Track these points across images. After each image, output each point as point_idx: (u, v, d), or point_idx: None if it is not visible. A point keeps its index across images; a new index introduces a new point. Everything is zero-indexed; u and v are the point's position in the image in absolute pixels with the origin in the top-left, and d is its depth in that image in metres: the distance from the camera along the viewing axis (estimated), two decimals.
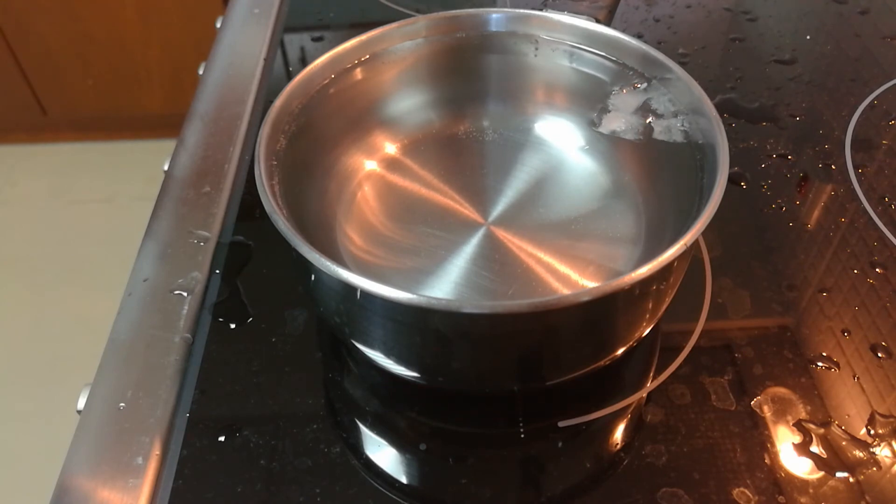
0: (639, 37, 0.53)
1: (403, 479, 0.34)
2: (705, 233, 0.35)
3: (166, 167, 0.49)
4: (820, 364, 0.38)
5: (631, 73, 0.41)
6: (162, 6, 1.33)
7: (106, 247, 1.38)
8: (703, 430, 0.35)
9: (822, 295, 0.41)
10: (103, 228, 1.43)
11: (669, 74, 0.39)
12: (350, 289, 0.29)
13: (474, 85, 0.45)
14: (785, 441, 0.35)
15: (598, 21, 0.41)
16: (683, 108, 0.38)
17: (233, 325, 0.40)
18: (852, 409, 0.36)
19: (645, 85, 0.40)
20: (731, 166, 0.42)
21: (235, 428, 0.35)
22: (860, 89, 0.55)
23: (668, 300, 0.34)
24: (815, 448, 0.34)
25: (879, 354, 0.38)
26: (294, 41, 0.62)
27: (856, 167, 0.49)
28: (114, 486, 0.33)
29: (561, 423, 0.35)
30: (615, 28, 0.41)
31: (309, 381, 0.38)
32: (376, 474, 0.34)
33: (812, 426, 0.35)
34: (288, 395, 0.37)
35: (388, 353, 0.33)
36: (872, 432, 0.35)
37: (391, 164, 0.43)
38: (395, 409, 0.37)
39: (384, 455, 0.35)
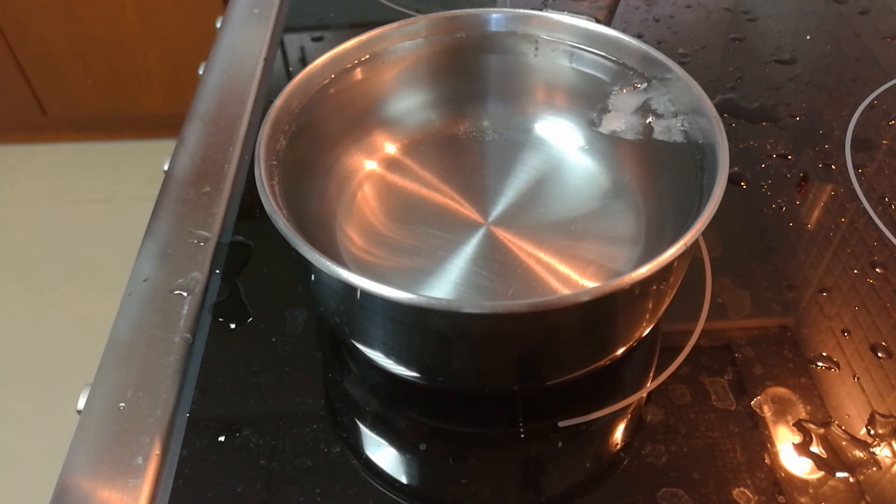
0: (639, 37, 0.53)
1: (403, 479, 0.34)
2: (705, 233, 0.35)
3: (166, 167, 0.49)
4: (820, 364, 0.38)
5: (631, 73, 0.41)
6: (162, 6, 1.33)
7: (106, 247, 1.38)
8: (703, 430, 0.35)
9: (822, 295, 0.41)
10: (103, 228, 1.43)
11: (669, 74, 0.39)
12: (350, 289, 0.29)
13: (474, 85, 0.45)
14: (785, 441, 0.35)
15: (598, 21, 0.41)
16: (683, 108, 0.38)
17: (233, 325, 0.40)
18: (852, 409, 0.36)
19: (645, 85, 0.40)
20: (731, 166, 0.42)
21: (235, 428, 0.35)
22: (860, 89, 0.55)
23: (668, 300, 0.34)
24: (815, 448, 0.34)
25: (879, 354, 0.38)
26: (294, 41, 0.62)
27: (856, 167, 0.49)
28: (114, 486, 0.33)
29: (561, 423, 0.35)
30: (615, 28, 0.41)
31: (309, 381, 0.38)
32: (376, 474, 0.34)
33: (812, 426, 0.35)
34: (288, 395, 0.37)
35: (388, 353, 0.33)
36: (872, 432, 0.35)
37: (391, 164, 0.43)
38: (395, 409, 0.37)
39: (384, 455, 0.35)
